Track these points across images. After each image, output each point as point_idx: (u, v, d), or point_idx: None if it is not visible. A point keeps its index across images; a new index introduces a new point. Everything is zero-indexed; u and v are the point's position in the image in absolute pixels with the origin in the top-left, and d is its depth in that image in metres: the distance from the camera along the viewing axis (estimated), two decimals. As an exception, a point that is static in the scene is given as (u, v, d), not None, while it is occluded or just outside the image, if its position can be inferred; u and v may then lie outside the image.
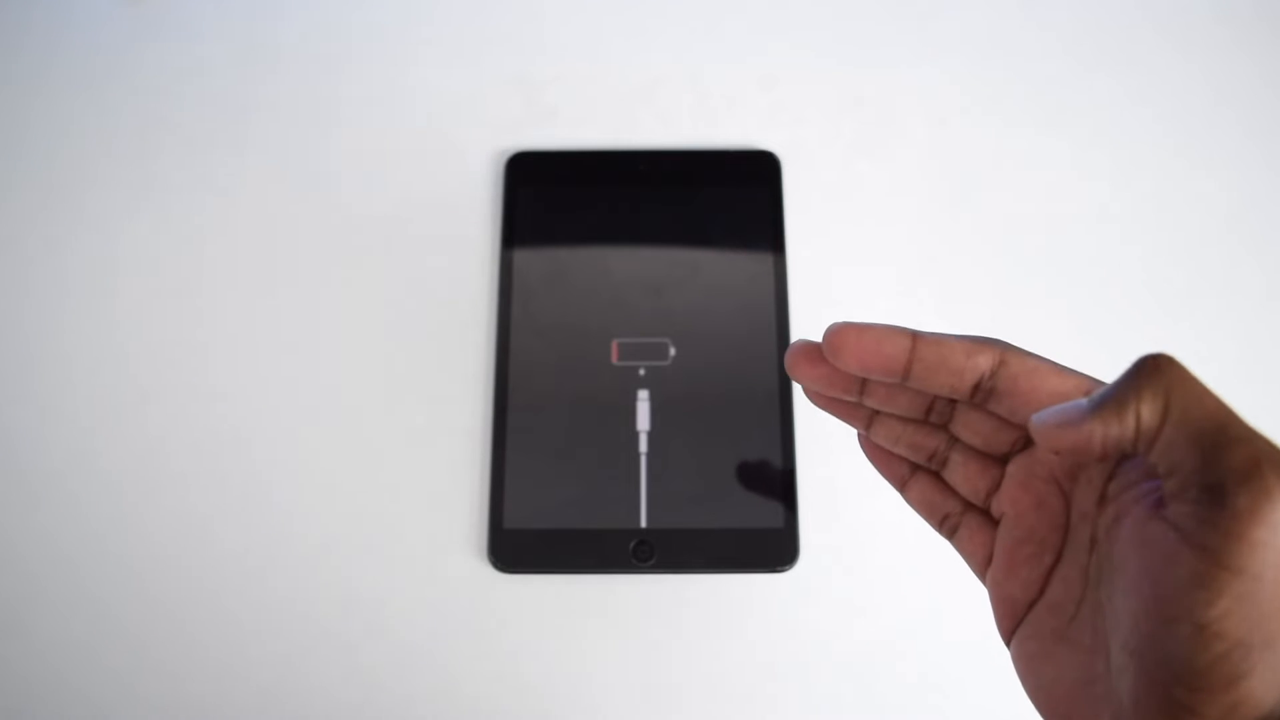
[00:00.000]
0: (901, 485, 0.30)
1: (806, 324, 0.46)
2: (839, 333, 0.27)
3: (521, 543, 0.42)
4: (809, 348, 0.28)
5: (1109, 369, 0.47)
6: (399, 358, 0.46)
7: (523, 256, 0.47)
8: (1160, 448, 0.23)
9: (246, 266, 0.47)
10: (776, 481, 0.43)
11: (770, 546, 0.42)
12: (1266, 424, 0.47)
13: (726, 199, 0.48)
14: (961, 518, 0.29)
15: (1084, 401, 0.24)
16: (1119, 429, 0.23)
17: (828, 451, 0.44)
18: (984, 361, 0.27)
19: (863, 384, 0.29)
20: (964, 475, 0.29)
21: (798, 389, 0.45)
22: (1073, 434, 0.24)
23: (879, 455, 0.30)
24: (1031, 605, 0.27)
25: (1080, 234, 0.48)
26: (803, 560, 0.42)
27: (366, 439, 0.44)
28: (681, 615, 0.42)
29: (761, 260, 0.47)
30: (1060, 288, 0.47)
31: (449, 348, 0.46)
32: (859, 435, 0.30)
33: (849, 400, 0.29)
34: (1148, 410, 0.23)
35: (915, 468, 0.30)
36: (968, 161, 0.49)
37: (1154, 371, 0.23)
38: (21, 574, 0.43)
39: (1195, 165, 0.49)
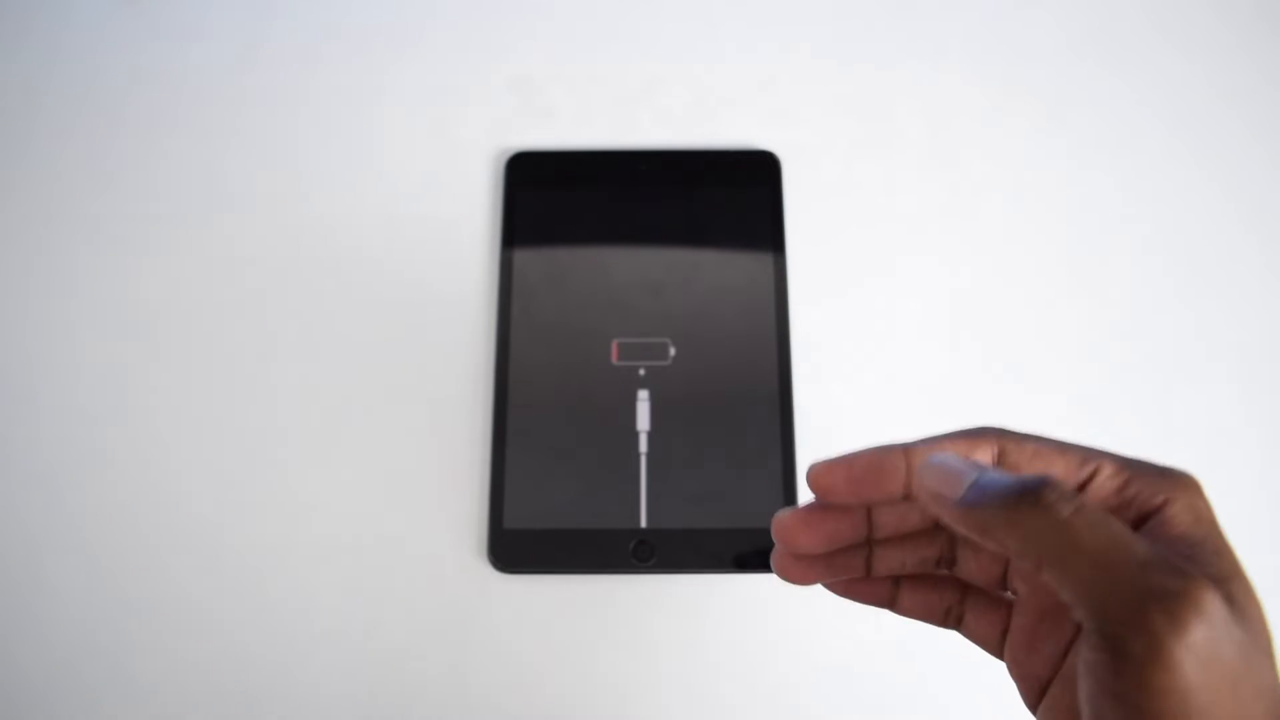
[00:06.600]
0: (890, 604, 0.29)
1: (807, 324, 0.46)
2: (825, 472, 0.26)
3: (521, 543, 0.42)
4: (800, 515, 0.27)
5: (1108, 368, 0.47)
6: (399, 358, 0.46)
7: (523, 256, 0.47)
8: (1050, 581, 0.22)
9: (246, 266, 0.47)
10: (776, 481, 0.43)
11: (770, 546, 0.42)
12: (1268, 422, 0.47)
13: (726, 199, 0.48)
14: (964, 605, 0.28)
15: (968, 481, 0.23)
16: (981, 539, 0.23)
17: (828, 452, 0.44)
18: (983, 459, 0.25)
19: (869, 522, 0.27)
20: (977, 566, 0.27)
21: (798, 386, 0.45)
22: (943, 512, 0.23)
23: (859, 588, 0.28)
24: (1053, 678, 0.26)
25: (1080, 233, 0.48)
26: (803, 560, 0.42)
27: (366, 439, 0.44)
28: (681, 615, 0.42)
29: (761, 260, 0.47)
30: (1061, 287, 0.47)
31: (449, 348, 0.46)
32: (828, 585, 0.28)
33: (853, 546, 0.27)
34: (1013, 543, 0.22)
35: (898, 580, 0.28)
36: (968, 161, 0.49)
37: (1024, 510, 0.22)
38: (16, 577, 0.42)
39: (1196, 164, 0.49)
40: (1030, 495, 0.22)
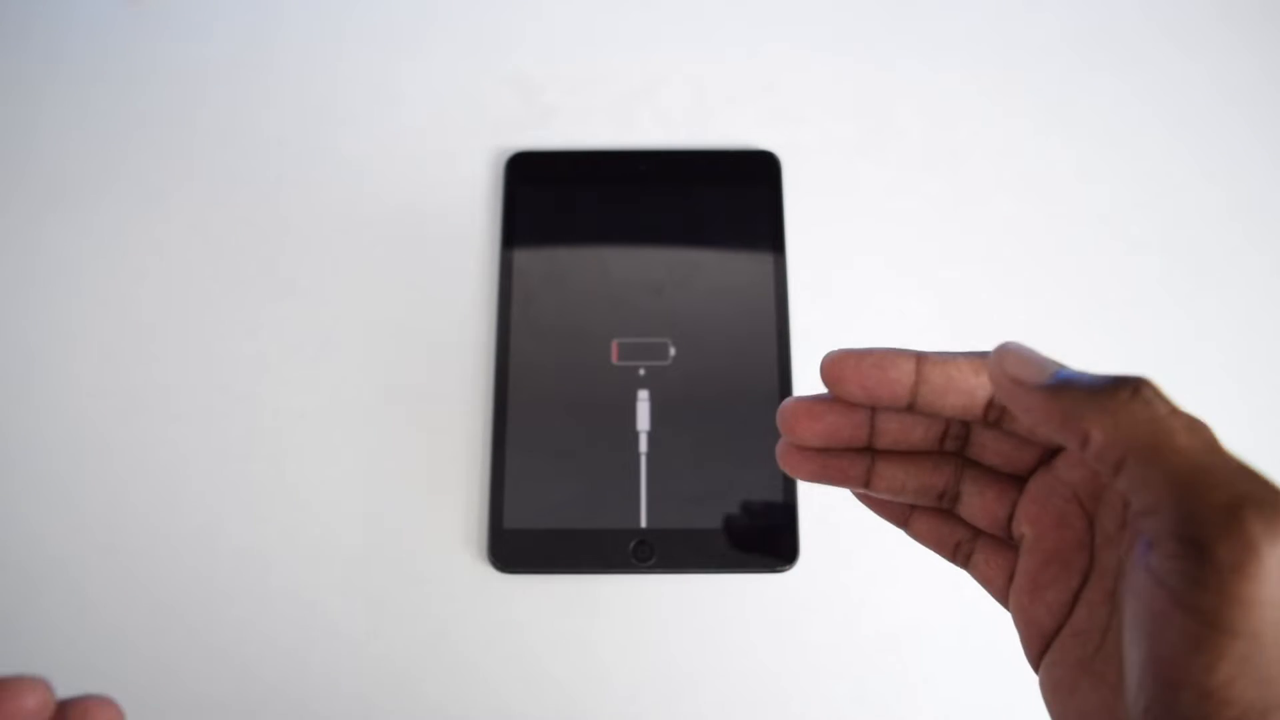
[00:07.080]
0: (904, 523, 0.28)
1: (807, 324, 0.46)
2: (838, 360, 0.25)
3: (521, 543, 0.42)
4: (805, 403, 0.26)
5: (1108, 368, 0.47)
6: (399, 358, 0.46)
7: (523, 256, 0.47)
8: (1128, 482, 0.20)
9: (246, 266, 0.47)
10: (777, 481, 0.43)
11: (770, 546, 0.42)
12: (1268, 422, 0.47)
13: (726, 199, 0.48)
14: (975, 543, 0.27)
15: (1052, 373, 0.22)
16: (1060, 428, 0.21)
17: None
18: None
19: (871, 427, 0.26)
20: (981, 505, 0.26)
21: (797, 386, 0.45)
22: (1021, 397, 0.22)
23: (878, 501, 0.28)
24: (1058, 630, 0.24)
25: (1081, 234, 0.48)
26: (803, 560, 0.42)
27: (366, 439, 0.44)
28: (681, 615, 0.42)
29: (761, 260, 0.47)
30: (1062, 288, 0.47)
31: (449, 348, 0.46)
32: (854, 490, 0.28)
33: (853, 451, 0.26)
34: (1099, 434, 0.20)
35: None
36: (968, 161, 0.49)
37: (1121, 397, 0.21)
38: (20, 574, 0.43)
39: (1198, 163, 0.49)
40: (1129, 386, 0.21)
